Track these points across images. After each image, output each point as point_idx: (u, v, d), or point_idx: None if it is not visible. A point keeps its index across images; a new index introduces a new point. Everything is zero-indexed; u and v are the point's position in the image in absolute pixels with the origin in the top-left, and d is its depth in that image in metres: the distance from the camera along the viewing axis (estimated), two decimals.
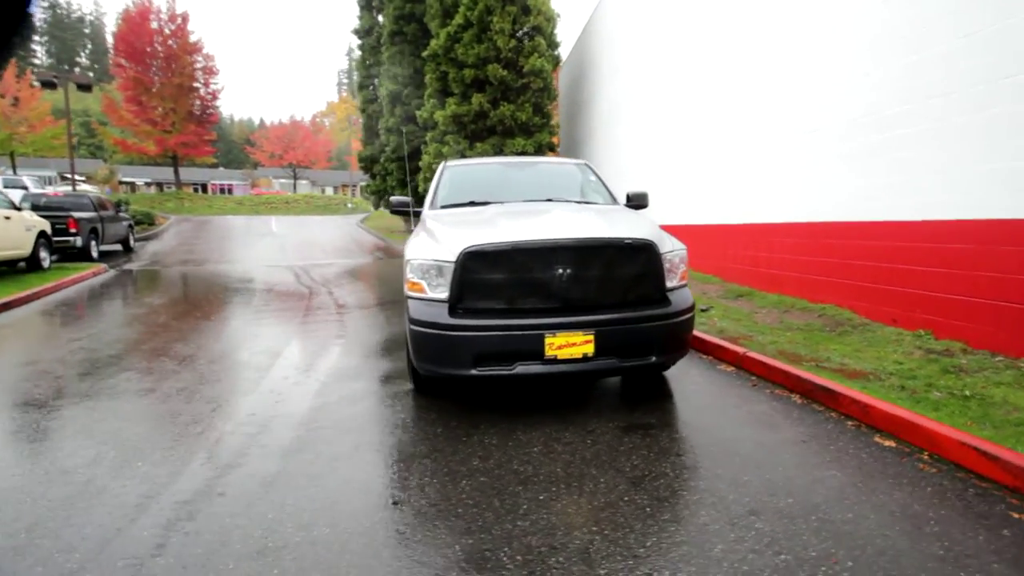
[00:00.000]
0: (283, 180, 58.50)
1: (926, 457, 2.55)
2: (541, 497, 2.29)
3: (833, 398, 3.15)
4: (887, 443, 2.72)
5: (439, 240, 3.20)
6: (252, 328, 5.92)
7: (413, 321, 3.08)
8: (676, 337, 3.15)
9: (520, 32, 14.18)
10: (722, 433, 2.95)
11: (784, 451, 2.69)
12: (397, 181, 19.62)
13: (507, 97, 14.56)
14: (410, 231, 4.18)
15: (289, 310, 7.05)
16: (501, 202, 4.21)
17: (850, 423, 2.97)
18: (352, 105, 75.97)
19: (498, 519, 2.12)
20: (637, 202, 4.40)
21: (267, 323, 6.16)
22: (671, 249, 3.23)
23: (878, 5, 4.86)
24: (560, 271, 2.98)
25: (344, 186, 61.53)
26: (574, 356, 2.94)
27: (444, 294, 3.04)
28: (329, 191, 58.50)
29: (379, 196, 23.27)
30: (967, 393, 3.10)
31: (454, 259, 2.98)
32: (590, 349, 2.93)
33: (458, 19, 14.18)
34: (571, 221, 3.39)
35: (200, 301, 7.95)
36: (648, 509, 2.18)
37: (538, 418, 3.16)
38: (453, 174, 4.58)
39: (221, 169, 59.02)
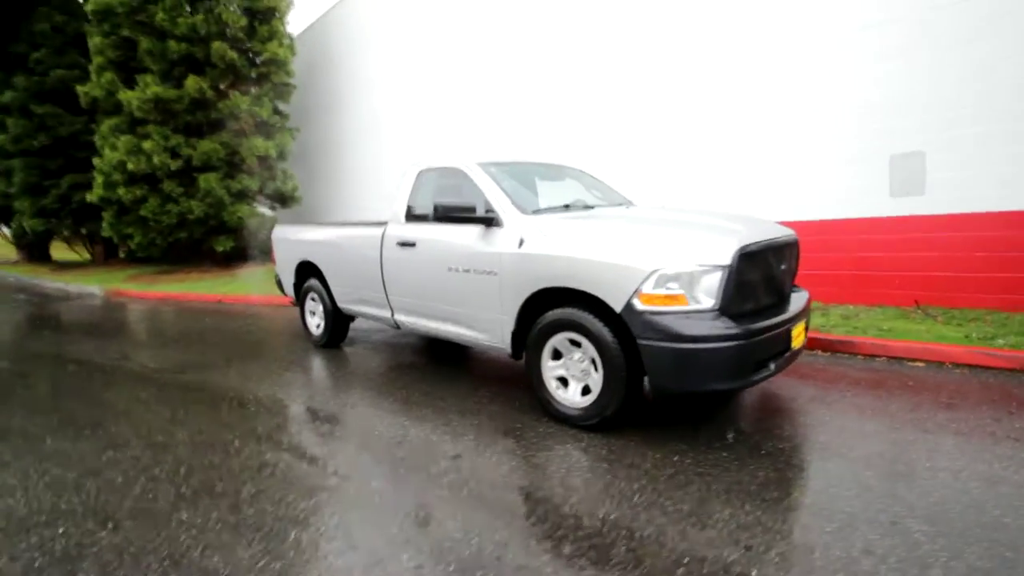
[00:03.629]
0: None
1: (949, 366, 3.94)
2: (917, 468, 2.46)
3: (853, 346, 4.35)
4: (918, 364, 4.03)
5: (676, 243, 2.75)
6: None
7: (684, 338, 2.59)
8: None
9: (250, 8, 11.70)
10: (832, 396, 3.64)
11: (893, 393, 3.57)
12: (27, 186, 12.97)
13: (236, 86, 11.82)
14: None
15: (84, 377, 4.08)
16: (590, 205, 3.84)
17: (878, 360, 4.20)
18: None
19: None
20: None
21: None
22: None
23: None
24: (783, 267, 3.10)
25: None
26: (798, 347, 3.12)
27: (711, 302, 2.69)
28: None
29: None
30: (885, 328, 4.82)
31: (729, 261, 2.69)
32: (804, 337, 3.17)
33: None
34: (743, 220, 3.46)
35: None
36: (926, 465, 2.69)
37: (708, 422, 3.16)
38: (500, 174, 3.78)
39: None
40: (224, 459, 2.86)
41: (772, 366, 2.88)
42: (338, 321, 5.28)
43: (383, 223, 4.61)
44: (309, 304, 5.60)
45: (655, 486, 2.41)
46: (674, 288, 2.68)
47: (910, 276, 5.28)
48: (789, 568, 1.85)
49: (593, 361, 2.98)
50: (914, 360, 4.10)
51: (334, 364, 4.79)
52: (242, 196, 12.15)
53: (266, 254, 14.30)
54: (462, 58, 9.70)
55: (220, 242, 12.01)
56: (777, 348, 2.90)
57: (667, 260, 2.70)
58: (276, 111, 12.57)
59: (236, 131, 11.67)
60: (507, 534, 2.09)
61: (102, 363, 5.15)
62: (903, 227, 5.28)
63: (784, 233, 3.26)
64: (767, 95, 6.14)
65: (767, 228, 3.22)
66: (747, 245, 2.79)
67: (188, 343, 6.02)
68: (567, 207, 3.68)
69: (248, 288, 9.98)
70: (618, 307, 2.78)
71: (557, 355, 3.18)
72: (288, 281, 5.88)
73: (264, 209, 13.77)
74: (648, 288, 2.70)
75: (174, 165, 10.97)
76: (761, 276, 2.93)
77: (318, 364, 4.82)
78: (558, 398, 3.16)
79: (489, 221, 3.48)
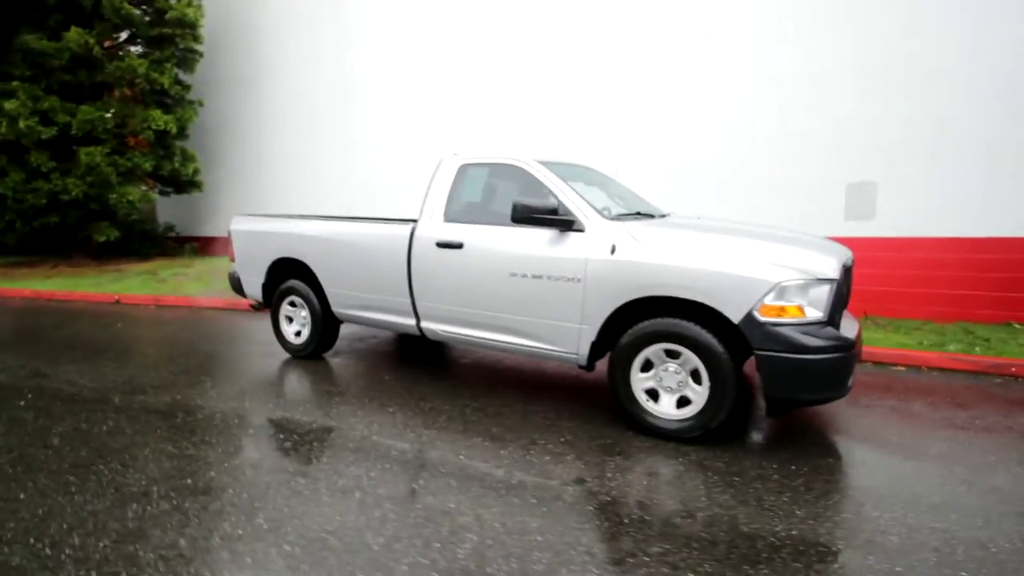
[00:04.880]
0: None
1: (925, 369, 4.53)
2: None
3: None
4: (899, 368, 4.57)
5: (790, 256, 2.82)
6: None
7: (805, 349, 2.67)
8: None
9: None
10: (865, 400, 3.97)
11: (907, 395, 4.00)
12: None
13: (129, 46, 9.98)
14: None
15: None
16: (651, 215, 3.78)
17: (867, 365, 4.69)
18: None
19: None
20: None
21: None
22: None
23: None
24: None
25: None
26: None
27: (819, 314, 2.79)
28: None
29: None
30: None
31: (836, 275, 2.81)
32: None
33: None
34: (811, 236, 3.64)
35: None
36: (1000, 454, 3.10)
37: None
38: (559, 174, 3.57)
39: None
40: (318, 507, 2.33)
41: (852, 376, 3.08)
42: (329, 328, 4.66)
43: (406, 220, 4.16)
44: (286, 309, 4.86)
45: (802, 498, 2.43)
46: (793, 300, 2.75)
47: (858, 290, 6.03)
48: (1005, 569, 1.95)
49: (694, 372, 2.95)
50: (895, 364, 4.68)
51: (336, 379, 4.20)
52: (132, 176, 10.27)
53: (157, 245, 12.30)
54: (421, 42, 9.18)
55: (102, 230, 10.02)
56: (858, 359, 3.11)
57: (787, 272, 2.75)
58: (178, 81, 10.84)
59: (128, 98, 9.84)
60: (718, 566, 1.95)
61: (13, 383, 3.98)
62: (854, 247, 6.02)
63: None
64: (743, 130, 6.65)
65: (838, 245, 3.45)
66: (845, 260, 2.96)
67: (116, 355, 4.90)
68: (639, 214, 3.62)
69: (154, 287, 8.45)
70: (737, 318, 2.78)
71: (645, 367, 3.10)
72: (254, 281, 5.05)
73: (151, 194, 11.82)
74: (770, 299, 2.73)
75: (46, 133, 8.90)
76: (846, 290, 3.13)
77: (317, 379, 4.20)
78: (651, 410, 3.07)
79: (568, 225, 3.29)
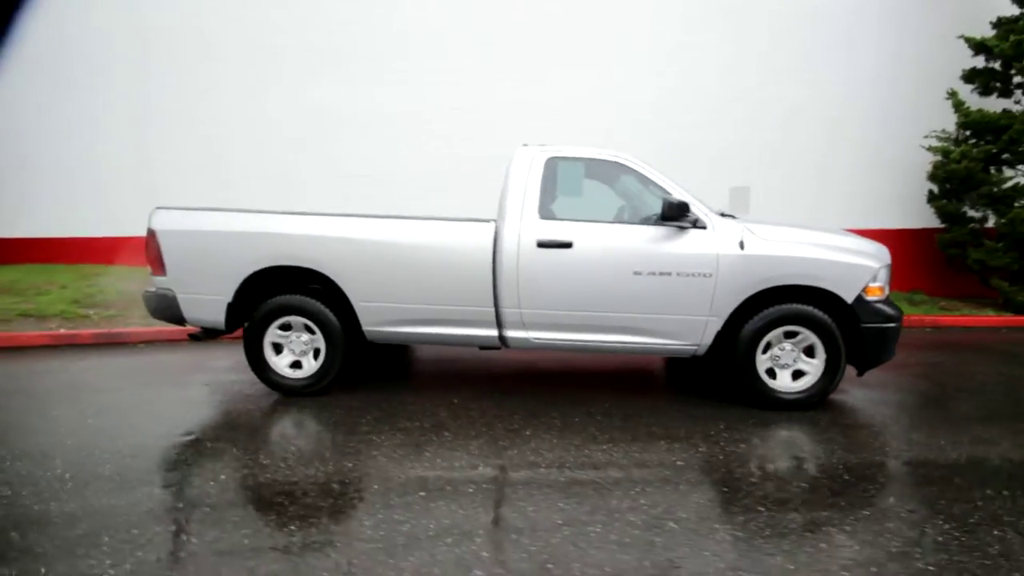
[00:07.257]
0: None
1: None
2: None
3: None
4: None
5: (853, 247, 3.52)
6: None
7: (893, 318, 3.43)
8: None
9: None
10: None
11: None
12: None
13: None
14: None
15: None
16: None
17: None
18: None
19: None
20: None
21: None
22: None
23: None
24: None
25: None
26: None
27: (887, 291, 3.56)
28: None
29: None
30: None
31: (889, 260, 3.59)
32: None
33: None
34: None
35: None
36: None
37: None
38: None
39: None
40: (673, 550, 1.98)
41: None
42: (352, 353, 3.75)
43: (477, 220, 3.61)
44: (274, 335, 3.71)
45: (953, 431, 3.13)
46: (878, 282, 3.47)
47: None
48: None
49: (808, 349, 3.45)
50: None
51: (401, 413, 3.42)
52: None
53: None
54: None
55: None
56: None
57: (877, 260, 3.46)
58: None
59: None
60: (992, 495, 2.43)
61: None
62: None
63: None
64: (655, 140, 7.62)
65: None
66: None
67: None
68: (725, 215, 3.91)
69: None
70: (850, 299, 3.36)
71: (763, 348, 3.48)
72: (211, 300, 3.68)
73: None
74: (871, 282, 3.40)
75: None
76: None
77: (379, 418, 3.34)
78: (773, 386, 3.46)
79: (695, 222, 3.41)
